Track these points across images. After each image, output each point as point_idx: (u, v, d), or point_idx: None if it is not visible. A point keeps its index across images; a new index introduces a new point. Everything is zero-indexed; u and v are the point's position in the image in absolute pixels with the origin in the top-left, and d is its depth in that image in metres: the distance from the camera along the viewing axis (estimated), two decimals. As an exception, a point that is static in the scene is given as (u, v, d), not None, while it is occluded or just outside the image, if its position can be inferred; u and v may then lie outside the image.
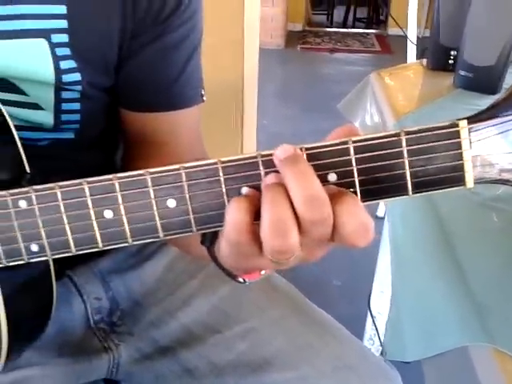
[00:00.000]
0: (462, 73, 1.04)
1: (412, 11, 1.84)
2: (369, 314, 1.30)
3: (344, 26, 6.60)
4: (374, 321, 1.27)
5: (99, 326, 0.63)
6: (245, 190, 0.35)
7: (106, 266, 0.65)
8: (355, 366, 0.60)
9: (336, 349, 0.61)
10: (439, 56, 1.19)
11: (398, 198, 0.34)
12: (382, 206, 2.04)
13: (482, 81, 1.01)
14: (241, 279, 0.44)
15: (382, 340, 1.02)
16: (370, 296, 1.30)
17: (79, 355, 0.61)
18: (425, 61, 1.27)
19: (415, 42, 1.81)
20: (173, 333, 0.62)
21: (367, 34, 6.21)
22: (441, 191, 0.33)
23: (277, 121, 3.21)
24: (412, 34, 1.86)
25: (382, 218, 1.95)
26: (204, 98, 0.63)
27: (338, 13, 6.82)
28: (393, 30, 5.77)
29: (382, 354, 0.65)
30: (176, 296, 0.64)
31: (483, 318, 0.50)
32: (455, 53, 1.13)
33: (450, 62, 1.16)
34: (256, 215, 0.34)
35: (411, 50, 1.87)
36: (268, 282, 0.67)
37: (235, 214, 0.33)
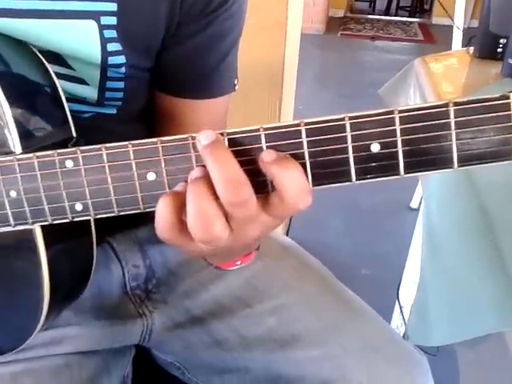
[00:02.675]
0: (511, 61, 1.01)
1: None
2: (397, 303, 1.29)
3: (386, 13, 6.47)
4: (401, 310, 1.26)
5: (135, 292, 0.65)
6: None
7: (145, 235, 0.66)
8: (382, 347, 0.60)
9: (364, 329, 0.61)
10: (487, 43, 1.15)
11: (442, 170, 0.33)
12: (416, 198, 2.01)
13: (532, 70, 0.98)
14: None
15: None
16: (399, 286, 1.29)
17: (115, 319, 0.62)
18: (471, 48, 1.24)
19: (461, 30, 1.76)
20: (205, 304, 0.64)
21: (410, 22, 6.07)
22: (487, 165, 0.32)
23: (313, 106, 3.18)
24: (459, 22, 1.81)
25: (416, 210, 1.93)
26: (236, 87, 0.64)
27: (381, 0, 6.69)
28: (437, 20, 5.63)
29: (403, 337, 0.65)
30: (210, 269, 0.65)
31: None
32: (504, 41, 1.09)
33: (499, 50, 1.12)
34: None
35: (457, 39, 1.83)
36: (299, 260, 0.68)
37: (162, 212, 0.36)
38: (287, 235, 1.63)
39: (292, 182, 0.34)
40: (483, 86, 1.01)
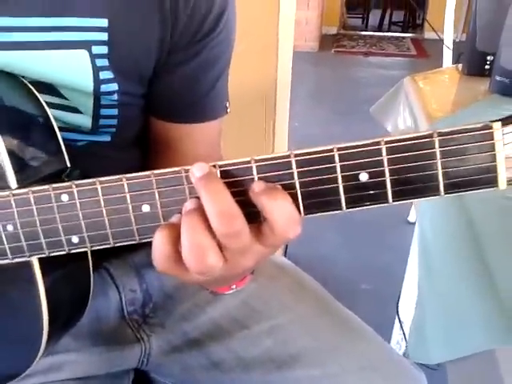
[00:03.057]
0: (498, 78, 1.03)
1: (449, 15, 1.81)
2: (396, 318, 1.29)
3: (379, 29, 6.54)
4: (401, 325, 1.26)
5: (132, 316, 0.65)
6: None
7: (142, 260, 0.66)
8: (381, 366, 0.60)
9: (362, 348, 0.61)
10: (475, 61, 1.17)
11: (429, 198, 0.34)
12: (414, 212, 2.01)
13: (519, 86, 0.99)
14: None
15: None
16: (398, 301, 1.29)
17: (112, 344, 0.62)
18: (460, 65, 1.26)
19: (451, 47, 1.79)
20: (202, 326, 0.64)
21: (403, 37, 6.14)
22: (473, 192, 0.33)
23: (308, 123, 3.21)
24: (448, 38, 1.83)
25: (414, 224, 1.93)
26: (228, 110, 0.65)
27: (374, 16, 6.77)
28: (429, 34, 5.68)
29: (404, 355, 0.65)
30: (206, 291, 0.66)
31: (511, 321, 0.50)
32: (491, 58, 1.11)
33: (486, 67, 1.14)
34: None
35: (447, 55, 1.85)
36: (295, 279, 0.68)
37: (158, 244, 0.37)
38: (286, 253, 1.64)
39: (280, 211, 0.35)
40: (472, 102, 1.03)
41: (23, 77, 0.51)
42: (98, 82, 0.53)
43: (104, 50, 0.53)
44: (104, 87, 0.54)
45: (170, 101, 0.61)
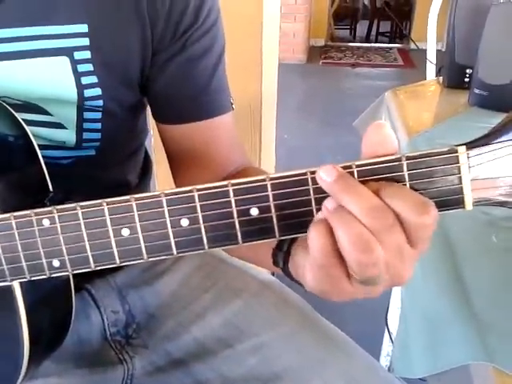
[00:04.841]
0: (477, 91, 1.05)
1: (431, 29, 1.83)
2: (386, 330, 1.29)
3: (367, 40, 6.62)
4: (391, 337, 1.26)
5: (115, 338, 0.65)
6: (254, 211, 0.37)
7: (123, 281, 0.67)
8: (365, 381, 0.59)
9: (346, 364, 0.60)
10: (455, 74, 1.19)
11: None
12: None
13: (497, 99, 1.01)
14: None
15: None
16: (387, 312, 1.29)
17: (95, 366, 0.62)
18: (441, 78, 1.28)
19: (434, 60, 1.81)
20: (186, 346, 0.63)
21: (390, 48, 6.21)
22: (441, 213, 0.34)
23: (297, 135, 3.23)
24: (431, 50, 1.85)
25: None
26: (233, 107, 0.64)
27: (361, 27, 6.84)
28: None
29: (389, 370, 0.65)
30: (190, 310, 0.65)
31: (484, 336, 0.51)
32: (470, 71, 1.13)
33: (466, 79, 1.16)
34: None
35: (430, 67, 1.87)
36: (280, 296, 0.68)
37: (315, 237, 0.35)
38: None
39: (404, 199, 0.34)
40: (452, 115, 1.04)
41: (4, 97, 0.51)
42: (80, 87, 0.54)
43: (87, 54, 0.53)
44: (87, 92, 0.54)
45: (171, 101, 0.60)
